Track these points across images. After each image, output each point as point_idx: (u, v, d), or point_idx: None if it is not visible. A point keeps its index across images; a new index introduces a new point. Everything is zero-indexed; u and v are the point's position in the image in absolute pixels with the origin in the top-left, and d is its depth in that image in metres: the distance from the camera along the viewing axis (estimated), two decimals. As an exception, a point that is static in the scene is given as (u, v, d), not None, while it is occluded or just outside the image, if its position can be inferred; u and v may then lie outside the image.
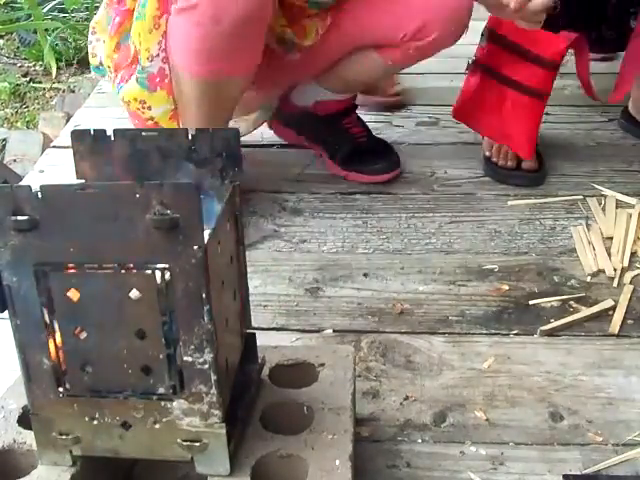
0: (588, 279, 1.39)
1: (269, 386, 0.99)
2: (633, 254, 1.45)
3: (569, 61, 2.16)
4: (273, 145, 1.84)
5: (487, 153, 1.74)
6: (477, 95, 1.67)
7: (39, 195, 0.75)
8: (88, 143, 0.90)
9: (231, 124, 1.54)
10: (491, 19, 1.66)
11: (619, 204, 1.60)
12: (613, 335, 1.26)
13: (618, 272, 1.39)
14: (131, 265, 0.77)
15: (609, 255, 1.44)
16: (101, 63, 1.54)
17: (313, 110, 1.70)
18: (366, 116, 1.98)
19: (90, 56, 1.57)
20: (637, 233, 1.49)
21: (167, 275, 0.77)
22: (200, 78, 1.38)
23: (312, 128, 1.73)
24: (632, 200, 1.60)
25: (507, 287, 1.38)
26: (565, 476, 1.01)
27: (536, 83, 1.62)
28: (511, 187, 1.68)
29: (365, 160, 1.71)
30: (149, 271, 0.77)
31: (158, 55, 1.39)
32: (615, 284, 1.37)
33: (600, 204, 1.60)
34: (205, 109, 1.42)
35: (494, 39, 1.64)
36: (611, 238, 1.49)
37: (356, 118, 1.75)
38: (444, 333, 1.28)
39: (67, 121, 2.30)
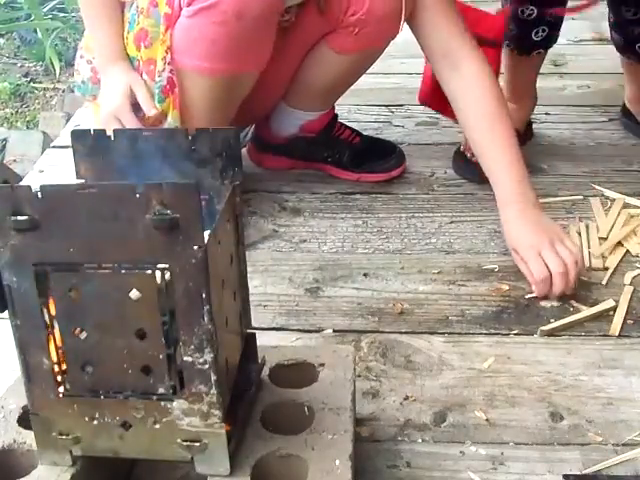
0: (585, 278, 1.39)
1: (269, 386, 0.99)
2: (634, 255, 1.44)
3: (569, 61, 2.17)
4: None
5: (462, 147, 1.75)
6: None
7: (39, 195, 0.75)
8: (88, 143, 0.90)
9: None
10: None
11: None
12: (613, 335, 1.26)
13: (609, 272, 1.39)
14: (131, 265, 0.77)
15: (602, 255, 1.44)
16: (83, 81, 1.54)
17: (303, 134, 1.70)
18: (366, 116, 1.99)
19: (75, 73, 1.58)
20: (636, 233, 1.49)
21: (167, 275, 0.77)
22: (214, 77, 1.39)
23: (306, 150, 1.72)
24: (632, 200, 1.60)
25: (507, 287, 1.38)
26: (565, 476, 1.01)
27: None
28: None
29: (371, 159, 1.71)
30: (149, 271, 0.77)
31: (164, 69, 1.39)
32: (604, 282, 1.37)
33: (604, 205, 1.59)
34: (213, 108, 1.42)
35: None
36: (606, 238, 1.49)
37: (340, 123, 1.76)
38: (444, 333, 1.28)
39: (67, 121, 2.30)
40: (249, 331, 0.98)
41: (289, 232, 1.55)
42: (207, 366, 0.80)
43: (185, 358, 0.80)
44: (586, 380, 1.17)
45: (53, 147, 1.93)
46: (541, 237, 1.35)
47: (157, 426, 0.84)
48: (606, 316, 1.30)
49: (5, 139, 2.54)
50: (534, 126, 1.87)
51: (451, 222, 1.57)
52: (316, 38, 1.54)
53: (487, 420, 1.11)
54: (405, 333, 1.28)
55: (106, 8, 1.44)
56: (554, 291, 1.32)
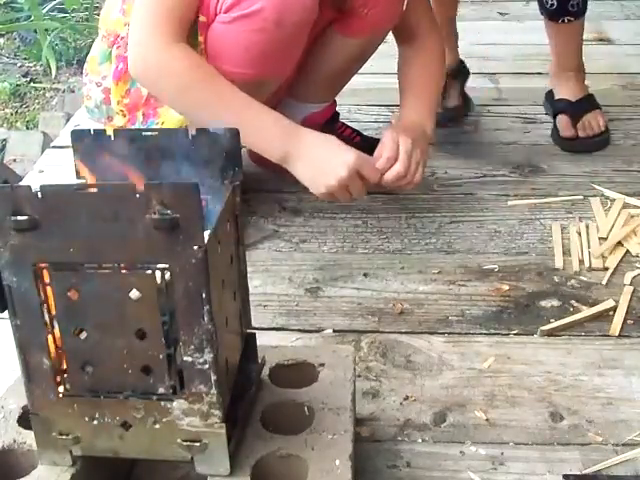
0: (585, 278, 1.39)
1: (269, 386, 0.99)
2: (634, 255, 1.44)
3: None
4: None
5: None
6: None
7: (39, 195, 0.75)
8: (88, 143, 0.90)
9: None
10: None
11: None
12: (613, 335, 1.26)
13: (609, 272, 1.39)
14: (131, 265, 0.77)
15: (602, 255, 1.44)
16: (97, 106, 1.53)
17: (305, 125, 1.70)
18: (366, 116, 1.99)
19: (85, 99, 1.57)
20: (636, 233, 1.49)
21: (167, 275, 0.77)
22: (241, 81, 1.38)
23: None
24: (632, 200, 1.60)
25: (507, 287, 1.38)
26: (565, 476, 1.01)
27: None
28: (511, 187, 1.68)
29: None
30: (149, 271, 0.77)
31: None
32: (604, 282, 1.37)
33: (604, 205, 1.59)
34: None
35: None
36: (606, 238, 1.49)
37: (341, 123, 1.76)
38: (444, 333, 1.28)
39: (67, 121, 2.30)
40: (249, 331, 0.98)
41: (289, 232, 1.55)
42: (207, 366, 0.80)
43: (185, 358, 0.80)
44: (586, 380, 1.17)
45: (53, 147, 1.93)
46: (407, 137, 1.42)
47: (157, 426, 0.84)
48: (606, 316, 1.30)
49: (5, 139, 2.54)
50: (534, 126, 1.87)
51: (451, 222, 1.57)
52: (324, 27, 1.54)
53: (487, 420, 1.11)
54: (405, 333, 1.28)
55: (225, 84, 1.34)
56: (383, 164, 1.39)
